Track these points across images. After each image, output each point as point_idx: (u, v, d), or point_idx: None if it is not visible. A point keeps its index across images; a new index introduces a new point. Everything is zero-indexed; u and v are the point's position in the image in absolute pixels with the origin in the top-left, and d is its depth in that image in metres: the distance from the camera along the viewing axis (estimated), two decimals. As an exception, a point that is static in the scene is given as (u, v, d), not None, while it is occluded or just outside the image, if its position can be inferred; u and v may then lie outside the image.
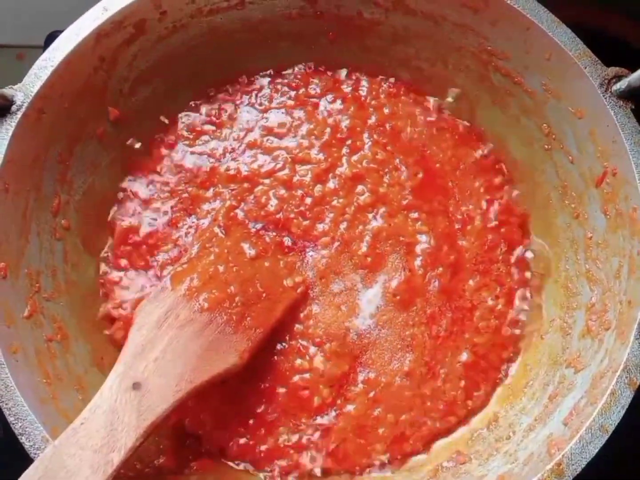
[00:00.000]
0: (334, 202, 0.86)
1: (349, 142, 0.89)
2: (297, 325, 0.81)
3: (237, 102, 0.91)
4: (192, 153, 0.89)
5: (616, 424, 0.64)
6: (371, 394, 0.80)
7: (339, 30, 0.89)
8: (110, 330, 0.82)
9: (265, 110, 0.91)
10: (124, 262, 0.84)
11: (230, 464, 0.78)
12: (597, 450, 0.64)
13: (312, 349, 0.80)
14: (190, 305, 0.73)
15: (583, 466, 0.64)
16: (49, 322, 0.75)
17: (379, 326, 0.82)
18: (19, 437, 0.65)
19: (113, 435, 0.62)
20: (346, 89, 0.92)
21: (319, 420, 0.79)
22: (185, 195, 0.87)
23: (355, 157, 0.88)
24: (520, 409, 0.78)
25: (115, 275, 0.84)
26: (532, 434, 0.73)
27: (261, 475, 0.78)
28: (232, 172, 0.87)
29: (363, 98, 0.92)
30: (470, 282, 0.85)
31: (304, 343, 0.81)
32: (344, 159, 0.88)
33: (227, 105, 0.91)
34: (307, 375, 0.80)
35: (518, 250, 0.88)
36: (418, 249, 0.85)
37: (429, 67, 0.91)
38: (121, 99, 0.84)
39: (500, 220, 0.88)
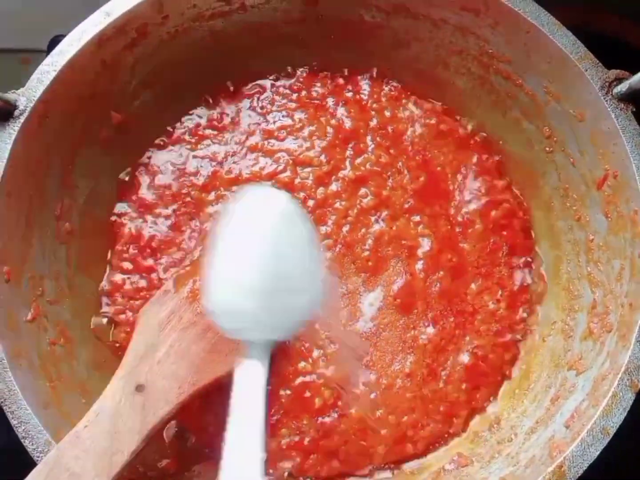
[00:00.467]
0: (337, 205, 0.86)
1: (351, 144, 0.89)
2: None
3: (239, 105, 0.92)
4: (194, 157, 0.89)
5: (618, 426, 0.64)
6: (372, 396, 0.80)
7: (340, 33, 0.89)
8: (113, 334, 0.82)
9: (267, 114, 0.91)
10: (127, 265, 0.84)
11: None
12: (598, 452, 0.64)
13: (315, 352, 0.81)
14: (193, 307, 0.73)
15: (585, 468, 0.64)
16: (52, 325, 0.75)
17: (380, 329, 0.83)
18: (22, 440, 0.65)
19: (117, 437, 0.63)
20: (347, 92, 0.92)
21: (320, 421, 0.79)
22: (188, 199, 0.87)
23: (359, 160, 0.88)
24: (522, 412, 0.78)
25: (118, 278, 0.84)
26: (534, 437, 0.73)
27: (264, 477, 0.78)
28: (234, 174, 0.88)
29: (364, 101, 0.92)
30: (473, 285, 0.85)
31: (306, 345, 0.81)
32: (347, 162, 0.88)
33: (228, 109, 0.92)
34: (309, 378, 0.80)
35: (519, 253, 0.88)
36: (420, 252, 0.85)
37: (430, 70, 0.91)
38: (124, 103, 0.84)
39: (501, 223, 0.88)
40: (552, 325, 0.83)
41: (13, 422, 0.65)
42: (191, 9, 0.82)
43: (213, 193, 0.87)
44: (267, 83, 0.93)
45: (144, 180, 0.88)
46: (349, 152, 0.89)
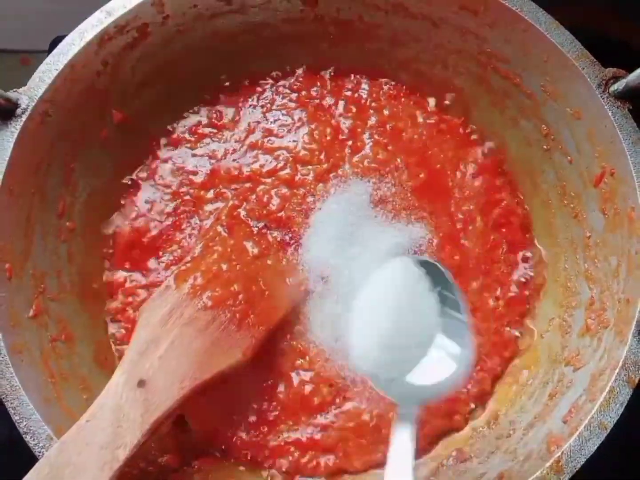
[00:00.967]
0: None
1: (350, 142, 0.90)
2: (297, 325, 0.82)
3: (239, 104, 0.92)
4: (194, 155, 0.90)
5: (615, 421, 0.65)
6: (372, 393, 0.80)
7: (339, 33, 0.90)
8: (114, 330, 0.83)
9: (267, 112, 0.92)
10: (127, 263, 0.85)
11: (233, 462, 0.79)
12: (596, 447, 0.64)
13: (313, 349, 0.81)
14: (194, 303, 0.74)
15: (582, 463, 0.64)
16: (53, 322, 0.76)
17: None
18: (24, 436, 0.66)
19: (119, 432, 0.63)
20: (346, 91, 0.93)
21: (319, 419, 0.79)
22: (187, 197, 0.88)
23: (356, 158, 0.89)
24: (520, 407, 0.79)
25: (119, 275, 0.85)
26: (532, 432, 0.73)
27: (264, 473, 0.79)
28: (234, 172, 0.88)
29: (363, 100, 0.92)
30: (473, 283, 0.86)
31: (304, 343, 0.81)
32: (346, 159, 0.89)
33: (228, 108, 0.92)
34: (307, 374, 0.80)
35: (518, 251, 0.88)
36: (421, 249, 0.86)
37: (428, 70, 0.91)
38: (125, 102, 0.85)
39: (500, 221, 0.89)
40: (549, 321, 0.83)
41: (15, 417, 0.66)
42: (192, 9, 0.83)
43: (213, 191, 0.88)
44: (266, 82, 0.93)
45: (145, 178, 0.89)
46: (347, 150, 0.89)
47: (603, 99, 0.73)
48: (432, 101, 0.93)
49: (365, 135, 0.90)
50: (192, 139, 0.91)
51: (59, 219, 0.80)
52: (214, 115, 0.92)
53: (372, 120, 0.91)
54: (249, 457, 0.78)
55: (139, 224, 0.87)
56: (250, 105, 0.92)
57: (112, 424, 0.63)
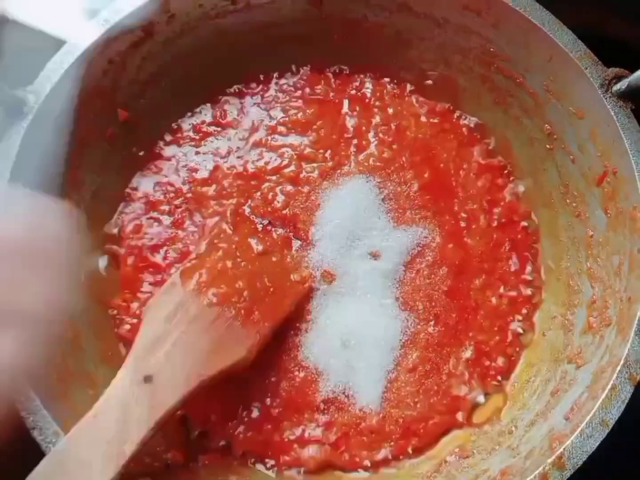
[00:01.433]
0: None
1: (355, 141, 0.90)
2: (301, 322, 0.82)
3: (243, 103, 0.93)
4: (198, 153, 0.90)
5: (617, 418, 0.65)
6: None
7: (343, 32, 0.90)
8: (119, 327, 0.83)
9: (271, 110, 0.92)
10: (132, 260, 0.85)
11: (239, 458, 0.79)
12: (597, 444, 0.64)
13: (317, 346, 0.81)
14: (200, 300, 0.74)
15: (584, 459, 0.64)
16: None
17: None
18: (31, 431, 0.66)
19: (125, 427, 0.63)
20: (351, 90, 0.93)
21: (322, 415, 0.80)
22: (190, 195, 0.88)
23: (361, 156, 0.89)
24: (523, 405, 0.79)
25: (124, 273, 0.85)
26: (534, 429, 0.73)
27: (268, 469, 0.79)
28: (238, 169, 0.89)
29: (367, 99, 0.93)
30: (477, 281, 0.86)
31: (307, 339, 0.82)
32: (351, 158, 0.89)
33: (232, 107, 0.93)
34: (310, 371, 0.81)
35: (521, 249, 0.89)
36: (425, 247, 0.86)
37: (432, 69, 0.92)
38: (130, 101, 0.85)
39: (503, 220, 0.89)
40: (552, 319, 0.84)
41: (22, 413, 0.66)
42: (197, 9, 0.83)
43: (217, 188, 0.88)
44: (271, 81, 0.94)
45: (149, 176, 0.90)
46: (352, 149, 0.90)
47: (606, 98, 0.73)
48: (435, 100, 0.94)
49: (370, 134, 0.90)
50: (197, 137, 0.91)
51: (65, 217, 0.80)
52: (219, 114, 0.92)
53: (377, 119, 0.91)
54: (253, 454, 0.79)
55: (143, 221, 0.87)
56: (255, 104, 0.93)
57: (118, 419, 0.64)
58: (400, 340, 0.82)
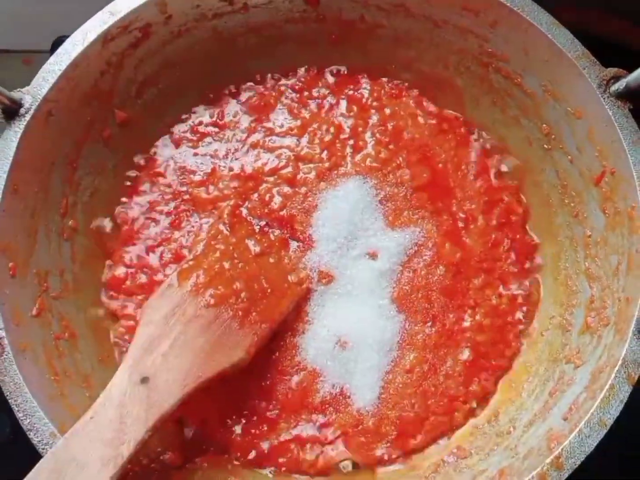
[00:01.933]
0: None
1: (351, 142, 0.90)
2: (298, 323, 0.82)
3: (241, 103, 0.93)
4: (195, 154, 0.90)
5: (615, 418, 0.65)
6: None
7: (341, 33, 0.90)
8: (115, 329, 0.83)
9: (268, 112, 0.92)
10: (129, 261, 0.85)
11: (235, 460, 0.79)
12: (595, 443, 0.65)
13: (314, 347, 0.81)
14: (197, 301, 0.74)
15: (582, 459, 0.64)
16: (56, 320, 0.76)
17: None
18: (28, 432, 0.66)
19: (122, 428, 0.63)
20: (348, 90, 0.93)
21: (319, 417, 0.80)
22: (188, 196, 0.88)
23: (358, 157, 0.89)
24: (521, 405, 0.79)
25: (121, 274, 0.85)
26: (532, 429, 0.73)
27: (265, 471, 0.79)
28: (235, 171, 0.89)
29: (365, 99, 0.93)
30: (475, 281, 0.86)
31: (304, 340, 0.82)
32: (347, 159, 0.89)
33: (230, 107, 0.93)
34: (307, 372, 0.80)
35: (519, 249, 0.88)
36: (422, 247, 0.86)
37: (430, 69, 0.92)
38: (127, 102, 0.85)
39: (502, 220, 0.89)
40: (550, 319, 0.84)
41: (19, 414, 0.66)
42: (194, 9, 0.83)
43: (215, 189, 0.88)
44: (268, 82, 0.94)
45: (146, 177, 0.89)
46: (348, 150, 0.90)
47: (604, 98, 0.74)
48: (433, 101, 0.93)
49: (367, 135, 0.90)
50: (194, 138, 0.91)
51: (62, 217, 0.80)
52: (216, 115, 0.92)
53: (374, 120, 0.91)
54: (249, 455, 0.78)
55: (140, 222, 0.87)
56: (252, 105, 0.92)
57: (115, 420, 0.63)
58: (398, 341, 0.82)
